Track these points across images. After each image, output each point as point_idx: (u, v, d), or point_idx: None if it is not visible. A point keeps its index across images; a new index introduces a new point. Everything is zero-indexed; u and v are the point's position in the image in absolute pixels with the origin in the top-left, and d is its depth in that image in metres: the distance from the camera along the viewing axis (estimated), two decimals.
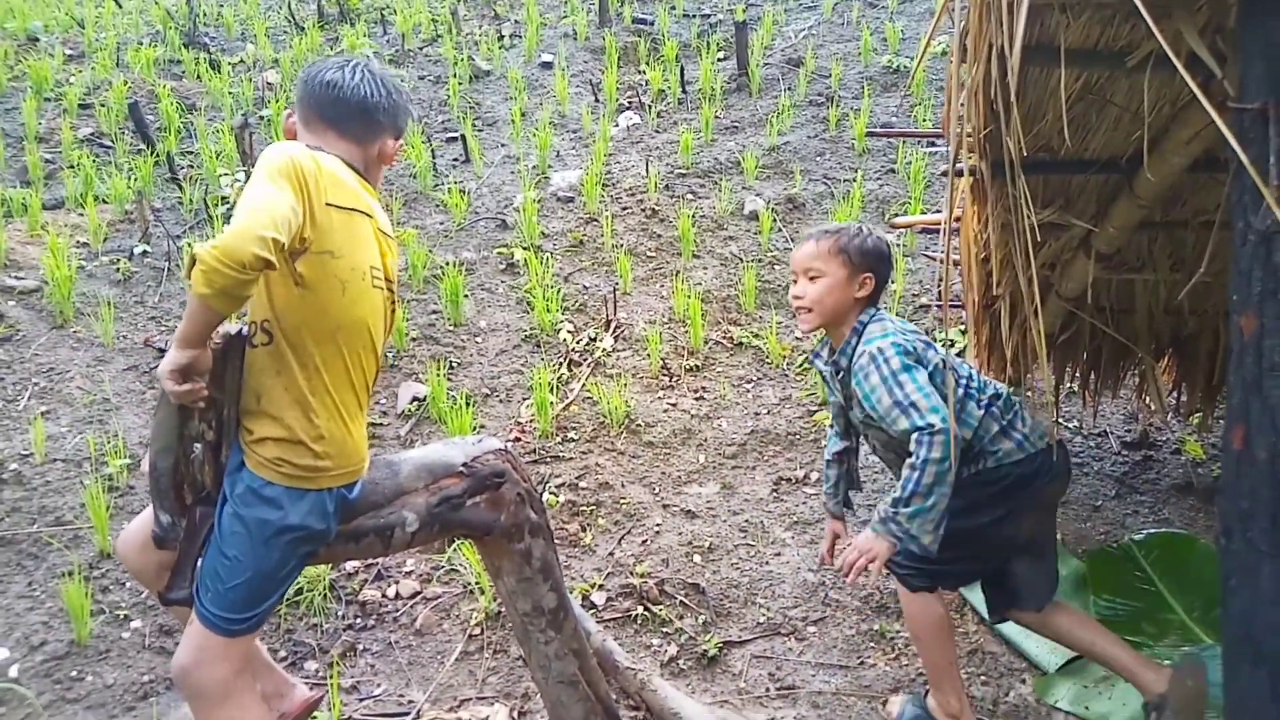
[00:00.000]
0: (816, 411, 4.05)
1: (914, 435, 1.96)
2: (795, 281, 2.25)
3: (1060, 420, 3.86)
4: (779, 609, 3.00)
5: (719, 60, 7.39)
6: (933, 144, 5.61)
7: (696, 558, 3.26)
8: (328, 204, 1.73)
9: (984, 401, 2.20)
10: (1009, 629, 2.76)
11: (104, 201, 5.44)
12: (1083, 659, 2.60)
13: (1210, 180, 2.40)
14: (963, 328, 3.86)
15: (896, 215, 5.25)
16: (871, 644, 2.84)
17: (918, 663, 2.71)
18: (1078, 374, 3.62)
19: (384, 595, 3.18)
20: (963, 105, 1.91)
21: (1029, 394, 3.96)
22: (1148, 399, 3.48)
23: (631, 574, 3.15)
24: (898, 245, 5.13)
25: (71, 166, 5.81)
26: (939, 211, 4.81)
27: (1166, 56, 1.47)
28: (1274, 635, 1.04)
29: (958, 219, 2.80)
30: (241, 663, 1.79)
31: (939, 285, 4.73)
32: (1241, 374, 1.16)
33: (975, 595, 2.91)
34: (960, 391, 2.17)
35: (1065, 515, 3.31)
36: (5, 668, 2.75)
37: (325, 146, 1.88)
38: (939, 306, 4.60)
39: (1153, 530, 3.10)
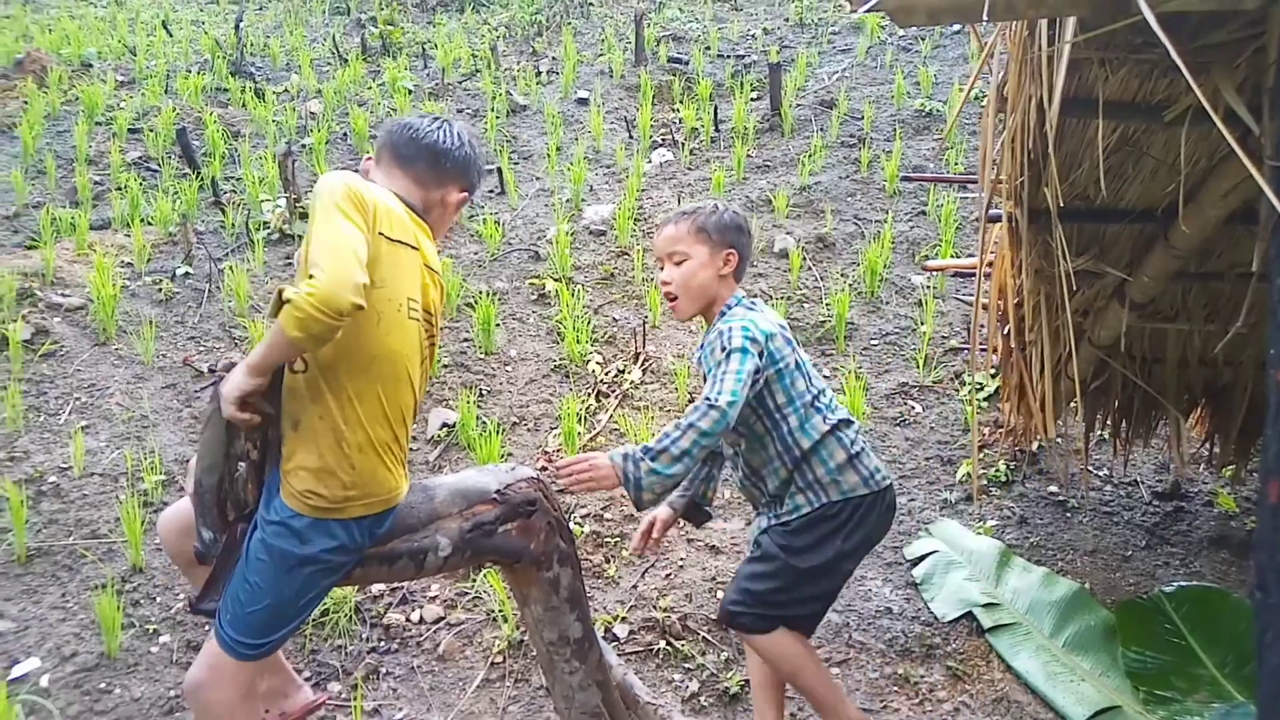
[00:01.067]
0: None
1: (702, 401, 1.94)
2: (661, 268, 2.25)
3: (1090, 468, 3.83)
4: None
5: (752, 100, 7.49)
6: (965, 186, 5.64)
7: (720, 593, 3.25)
8: (380, 233, 1.78)
9: (830, 421, 2.17)
10: (1035, 677, 2.73)
11: (149, 223, 5.58)
12: (1110, 712, 2.57)
13: (1247, 233, 2.40)
14: (993, 371, 3.86)
15: (927, 257, 5.27)
16: (895, 688, 2.82)
17: (943, 708, 2.69)
18: (1108, 422, 3.60)
19: (408, 619, 3.19)
20: (998, 153, 1.94)
21: (1058, 440, 3.94)
22: (1177, 452, 3.46)
23: (654, 608, 3.15)
24: (929, 287, 5.15)
25: (119, 188, 5.97)
26: (970, 256, 4.82)
27: (1204, 111, 1.49)
28: None
29: (990, 264, 2.82)
30: (250, 687, 1.82)
31: (969, 329, 4.74)
32: (1278, 428, 1.16)
33: (1000, 641, 2.89)
34: (809, 398, 2.16)
35: (1094, 565, 3.28)
36: (37, 677, 2.79)
37: (389, 183, 1.94)
38: (969, 350, 4.60)
39: (1184, 583, 3.06)
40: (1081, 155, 2.12)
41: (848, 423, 2.21)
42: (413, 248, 1.89)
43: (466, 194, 2.08)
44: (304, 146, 6.72)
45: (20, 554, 3.21)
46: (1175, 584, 3.03)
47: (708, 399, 1.95)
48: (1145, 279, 2.47)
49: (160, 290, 4.95)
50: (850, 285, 5.20)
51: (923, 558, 3.31)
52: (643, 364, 4.68)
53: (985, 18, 1.29)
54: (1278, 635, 1.11)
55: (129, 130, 6.84)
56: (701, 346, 2.25)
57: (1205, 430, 3.58)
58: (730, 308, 2.20)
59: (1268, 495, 1.11)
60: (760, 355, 2.06)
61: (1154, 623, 2.87)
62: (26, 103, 7.15)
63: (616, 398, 4.46)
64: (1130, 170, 2.19)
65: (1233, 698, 2.58)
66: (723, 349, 2.03)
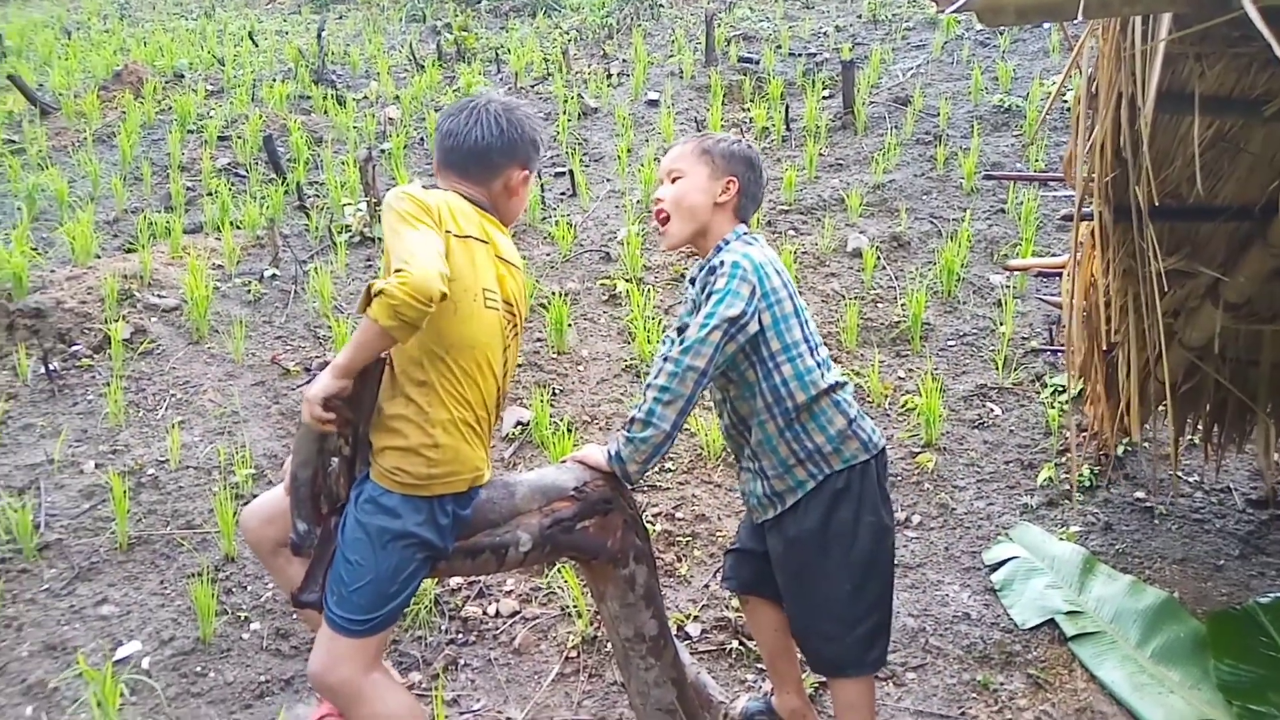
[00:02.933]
0: (920, 453, 3.99)
1: (686, 342, 1.86)
2: (661, 186, 2.14)
3: (1179, 474, 3.70)
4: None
5: (824, 98, 7.42)
6: (1046, 183, 5.50)
7: None
8: (448, 231, 1.86)
9: (828, 379, 2.02)
10: (1120, 687, 2.66)
11: (238, 227, 5.81)
12: None
13: None
14: (1077, 374, 3.76)
15: (1006, 257, 5.15)
16: (973, 694, 2.77)
17: (1023, 717, 2.64)
18: (1199, 426, 3.47)
19: (485, 613, 3.27)
20: (1088, 151, 1.89)
21: (1146, 445, 3.82)
22: (1268, 459, 3.32)
23: (727, 607, 3.16)
24: (1008, 287, 5.03)
25: (210, 194, 6.24)
26: (1050, 255, 4.70)
27: None
28: None
29: (1076, 265, 2.75)
30: (370, 663, 1.89)
31: (1050, 329, 4.61)
32: None
33: (1083, 650, 2.82)
34: (805, 349, 2.00)
35: (1184, 574, 3.17)
36: (138, 659, 2.94)
37: (451, 187, 2.03)
38: (1050, 352, 4.48)
39: None
40: (1174, 152, 2.05)
41: (843, 384, 2.07)
42: (482, 241, 1.97)
43: (527, 171, 2.10)
44: (383, 151, 6.91)
45: (122, 542, 3.39)
46: (1271, 595, 2.91)
47: (664, 355, 1.88)
48: (1241, 279, 2.38)
49: (249, 291, 5.15)
50: (926, 285, 5.11)
51: (1002, 563, 3.25)
52: None
53: (1080, 16, 1.26)
54: None
55: (218, 138, 7.14)
56: (691, 283, 2.12)
57: None
58: (727, 242, 2.05)
59: None
60: (752, 294, 1.91)
61: (1248, 635, 2.76)
62: (124, 113, 7.51)
63: None
64: (1226, 167, 2.11)
65: None
66: (732, 289, 1.89)
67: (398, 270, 1.67)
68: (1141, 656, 2.76)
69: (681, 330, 2.03)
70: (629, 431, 1.95)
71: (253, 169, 6.67)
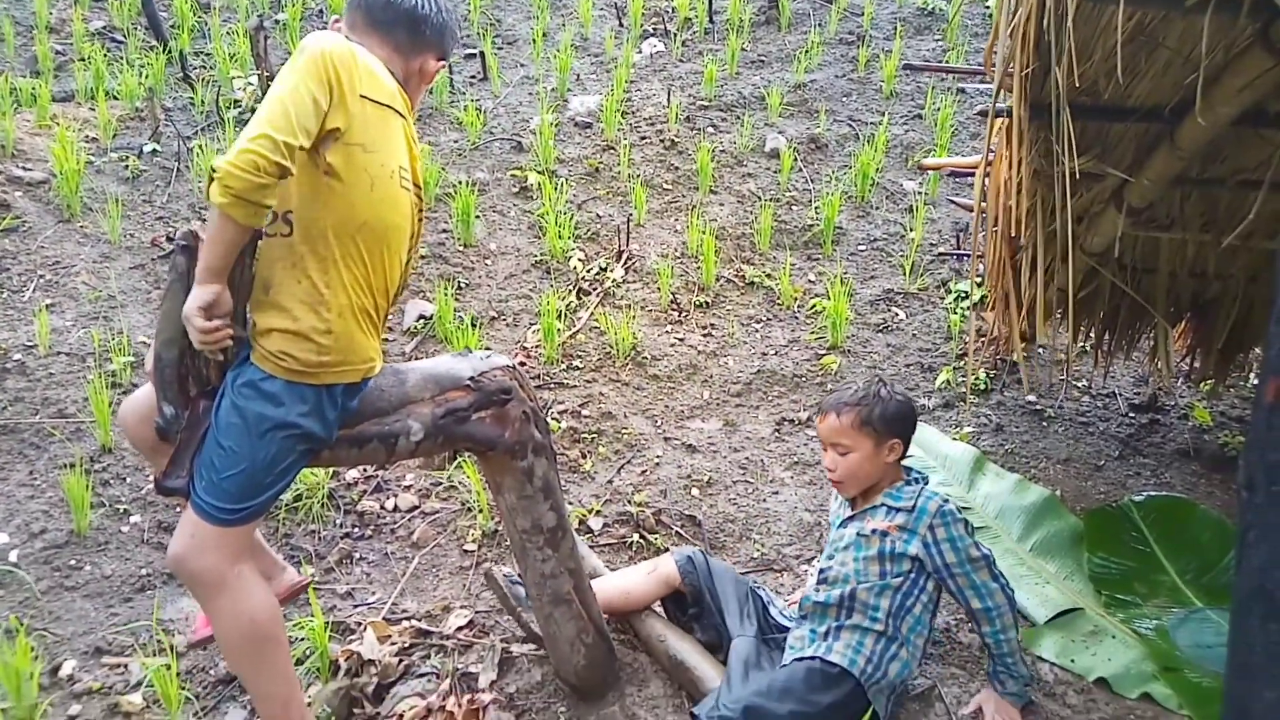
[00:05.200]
0: (824, 355, 4.02)
1: (993, 599, 2.09)
2: (825, 451, 2.24)
3: (1069, 379, 3.83)
4: (773, 545, 3.01)
5: None
6: (963, 90, 5.47)
7: (695, 491, 3.26)
8: (362, 95, 1.71)
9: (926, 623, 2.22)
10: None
11: (114, 97, 5.33)
12: (1072, 613, 2.62)
13: (1255, 137, 2.33)
14: (979, 279, 3.81)
15: (923, 159, 5.14)
16: None
17: None
18: (1092, 333, 3.58)
19: (382, 507, 3.19)
20: (1009, 39, 1.83)
21: (1040, 350, 3.93)
22: (1159, 363, 3.45)
23: (629, 502, 3.16)
24: (920, 193, 5.05)
25: (82, 59, 5.68)
26: (969, 157, 4.70)
27: None
28: None
29: (989, 164, 2.73)
30: (236, 553, 1.78)
31: (958, 235, 4.66)
32: None
33: None
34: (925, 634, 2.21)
35: (1067, 473, 3.31)
36: (5, 552, 2.77)
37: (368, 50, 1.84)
38: (957, 257, 4.54)
39: (1153, 493, 3.10)
40: (1093, 45, 2.01)
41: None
42: (399, 115, 1.81)
43: (443, 62, 2.02)
44: (277, 22, 6.40)
45: None
46: (1145, 494, 3.07)
47: (999, 603, 2.11)
48: (1146, 182, 2.39)
49: (127, 167, 4.76)
50: (841, 189, 5.08)
51: None
52: (626, 262, 4.60)
53: None
54: (1261, 535, 1.09)
55: None
56: (889, 507, 2.20)
57: (1187, 344, 3.57)
58: (915, 482, 2.22)
59: (1265, 394, 1.08)
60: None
61: (1121, 530, 2.91)
62: None
63: (598, 296, 4.38)
64: (1143, 64, 2.09)
65: (1191, 603, 2.63)
66: (968, 535, 2.11)
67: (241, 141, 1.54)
68: (1022, 550, 2.88)
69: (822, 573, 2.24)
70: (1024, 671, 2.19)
71: (131, 34, 6.10)
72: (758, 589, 2.44)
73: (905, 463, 2.27)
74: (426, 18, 1.93)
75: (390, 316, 4.16)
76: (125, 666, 2.45)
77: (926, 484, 2.23)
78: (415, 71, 1.96)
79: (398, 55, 1.91)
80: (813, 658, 2.07)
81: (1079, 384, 3.91)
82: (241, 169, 1.51)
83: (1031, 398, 3.78)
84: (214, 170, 1.52)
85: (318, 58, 1.64)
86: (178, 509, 2.94)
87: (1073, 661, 2.48)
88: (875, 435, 2.14)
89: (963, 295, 4.30)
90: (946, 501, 2.13)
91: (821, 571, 2.26)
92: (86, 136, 4.95)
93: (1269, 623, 1.07)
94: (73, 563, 2.80)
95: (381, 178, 1.77)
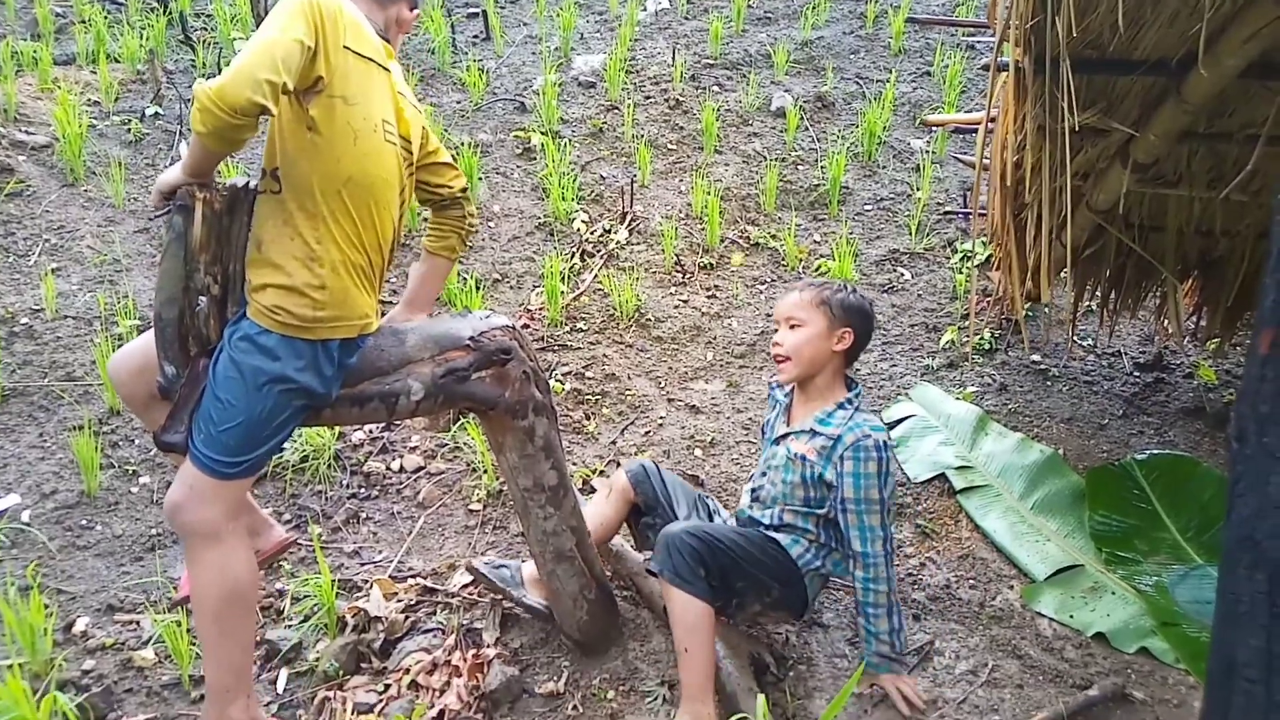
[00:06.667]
0: None
1: (874, 545, 2.08)
2: (779, 330, 2.27)
3: (1074, 338, 3.82)
4: None
5: None
6: (972, 46, 5.39)
7: (698, 451, 3.28)
8: (345, 47, 1.70)
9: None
10: (1001, 536, 2.79)
11: (116, 60, 5.30)
12: (1072, 570, 2.63)
13: (1261, 90, 2.29)
14: (984, 239, 3.78)
15: (928, 115, 5.08)
16: None
17: (910, 563, 2.75)
18: (1098, 291, 3.56)
19: (388, 468, 3.22)
20: None
21: (1045, 309, 3.91)
22: (1166, 321, 3.43)
23: None
24: (928, 151, 4.99)
25: (83, 22, 5.65)
26: (974, 113, 4.64)
27: None
28: (1278, 540, 1.04)
29: (993, 120, 2.69)
30: (232, 507, 1.80)
31: (965, 193, 4.62)
32: (1277, 276, 1.12)
33: (970, 502, 2.94)
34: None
35: (1070, 432, 3.31)
36: (17, 513, 2.82)
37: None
38: (964, 215, 4.50)
39: (1156, 451, 3.10)
40: None
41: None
42: (383, 68, 1.80)
43: (416, 10, 2.05)
44: None
45: None
46: (1148, 452, 3.07)
47: (882, 549, 2.09)
48: (1152, 137, 2.36)
49: (129, 131, 4.75)
50: (848, 148, 5.03)
51: (900, 421, 3.33)
52: (629, 224, 4.58)
53: None
54: (1250, 485, 1.09)
55: None
56: (814, 430, 2.21)
57: (1194, 302, 3.54)
58: (857, 407, 2.22)
59: (1259, 345, 1.08)
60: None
61: (1122, 488, 2.92)
62: None
63: (602, 257, 4.37)
64: (1148, 15, 2.05)
65: (1192, 560, 2.65)
66: (885, 475, 2.09)
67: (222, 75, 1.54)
68: (1023, 508, 2.89)
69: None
70: (897, 639, 2.14)
71: None
72: (706, 498, 2.51)
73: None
74: None
75: (393, 279, 4.17)
76: (137, 623, 2.50)
77: (858, 410, 2.22)
78: (392, 20, 1.99)
79: (376, 6, 1.94)
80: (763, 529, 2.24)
81: (1084, 343, 3.89)
82: (220, 108, 1.51)
83: (1036, 357, 3.77)
84: (196, 97, 1.52)
85: (305, 3, 1.64)
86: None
87: (1071, 617, 2.50)
88: (830, 317, 2.19)
89: (968, 255, 4.27)
90: (869, 437, 2.11)
91: (754, 490, 2.34)
92: (88, 100, 4.93)
93: (1255, 572, 1.08)
94: (84, 522, 2.84)
95: (365, 131, 1.76)
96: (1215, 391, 3.56)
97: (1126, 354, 3.83)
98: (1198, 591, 2.53)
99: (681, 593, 2.00)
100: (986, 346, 3.81)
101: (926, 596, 2.58)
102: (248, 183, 1.75)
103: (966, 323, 3.88)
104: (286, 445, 2.44)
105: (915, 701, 2.10)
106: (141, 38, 5.49)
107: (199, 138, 1.56)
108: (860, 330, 2.22)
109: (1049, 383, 3.62)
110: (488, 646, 2.34)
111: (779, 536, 2.20)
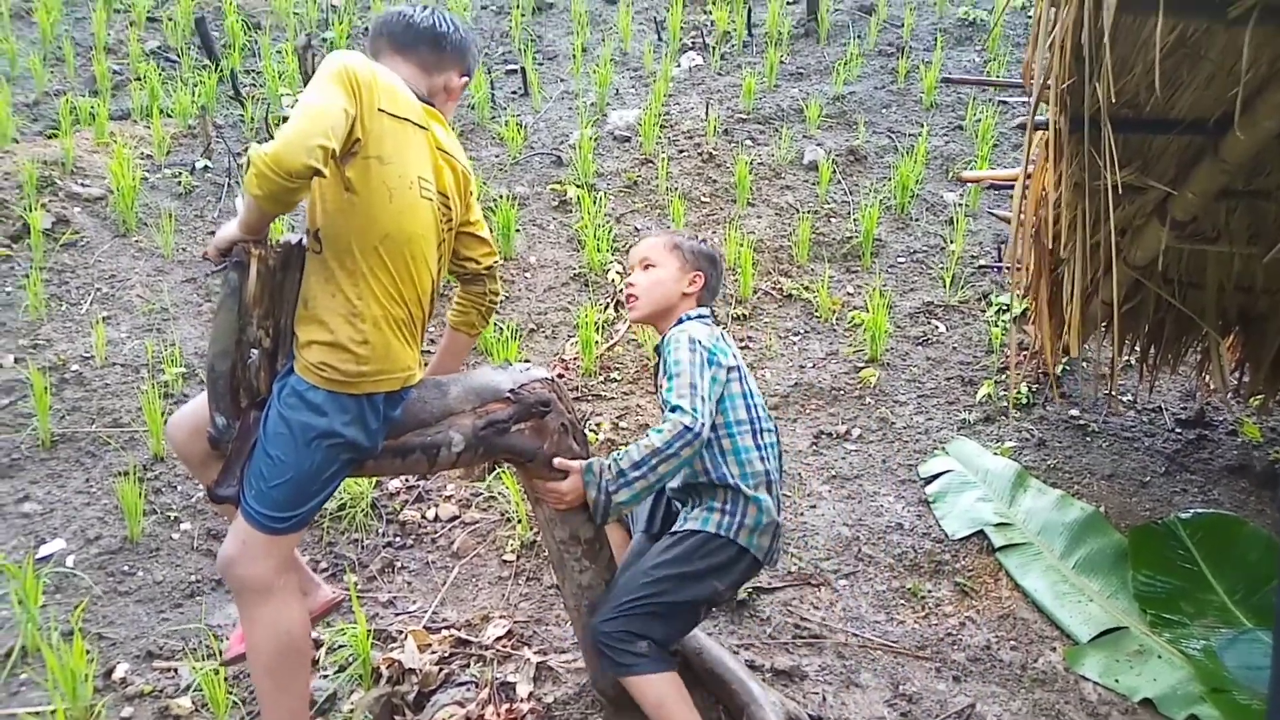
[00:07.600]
0: (863, 368, 4.00)
1: (673, 416, 1.97)
2: (631, 273, 2.33)
3: (1114, 393, 3.77)
4: (811, 560, 3.01)
5: (788, 3, 7.19)
6: (1004, 101, 5.43)
7: None
8: (380, 109, 1.76)
9: (769, 471, 2.13)
10: (1042, 596, 2.74)
11: (168, 115, 5.50)
12: (1116, 632, 2.58)
13: None
14: (1021, 292, 3.77)
15: (962, 172, 5.11)
16: (901, 601, 2.84)
17: (949, 623, 2.71)
18: (1137, 346, 3.52)
19: (424, 517, 3.24)
20: (1048, 53, 1.82)
21: (1084, 364, 3.88)
22: (1208, 377, 3.39)
23: None
24: (961, 205, 5.01)
25: (138, 78, 5.87)
26: (1008, 169, 4.66)
27: (1272, 8, 1.38)
28: None
29: (1029, 177, 2.71)
30: (284, 562, 1.83)
31: (999, 247, 4.62)
32: None
33: (1010, 560, 2.89)
34: (750, 430, 2.13)
35: (1111, 489, 3.26)
36: (62, 557, 2.87)
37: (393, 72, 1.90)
38: (998, 269, 4.50)
39: (1200, 510, 3.04)
40: (1134, 59, 2.00)
41: (777, 481, 2.17)
42: (421, 127, 1.86)
43: (467, 78, 2.10)
44: (325, 40, 6.56)
45: (45, 439, 3.27)
46: (1192, 510, 3.01)
47: (684, 421, 1.95)
48: (1190, 195, 2.36)
49: (180, 183, 4.91)
50: (880, 201, 5.07)
51: (937, 476, 3.30)
52: None
53: None
54: None
55: (147, 18, 6.69)
56: (656, 351, 2.27)
57: (1236, 358, 3.50)
58: (689, 319, 2.23)
59: None
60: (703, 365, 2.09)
61: (1166, 548, 2.86)
62: None
63: None
64: (1184, 76, 2.06)
65: (1240, 624, 2.58)
66: (695, 360, 2.05)
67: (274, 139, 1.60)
68: (1065, 567, 2.84)
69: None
70: (631, 490, 1.99)
71: (184, 54, 6.29)
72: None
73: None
74: (446, 35, 2.02)
75: (432, 329, 4.24)
76: (175, 670, 2.52)
77: (696, 319, 2.22)
78: (440, 88, 2.04)
79: (422, 73, 2.00)
80: (674, 533, 2.14)
81: (1124, 399, 3.85)
82: (275, 172, 1.56)
83: (1075, 412, 3.73)
84: (250, 161, 1.58)
85: (340, 70, 1.71)
86: (226, 518, 3.02)
87: (1117, 681, 2.44)
88: (683, 259, 2.27)
89: (1004, 308, 4.26)
90: (686, 332, 2.10)
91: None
92: (142, 153, 5.11)
93: None
94: (126, 568, 2.88)
95: (400, 189, 1.81)
96: (1260, 449, 3.49)
97: (1168, 410, 3.78)
98: (1248, 656, 2.46)
99: (634, 680, 1.97)
100: (1024, 401, 3.77)
101: (967, 658, 2.54)
102: (300, 240, 1.81)
103: (1003, 376, 3.85)
104: None
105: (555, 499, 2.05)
106: (194, 94, 5.70)
107: (255, 200, 1.62)
108: (710, 275, 2.30)
109: (1088, 438, 3.58)
110: (521, 701, 2.33)
111: (692, 521, 2.11)
